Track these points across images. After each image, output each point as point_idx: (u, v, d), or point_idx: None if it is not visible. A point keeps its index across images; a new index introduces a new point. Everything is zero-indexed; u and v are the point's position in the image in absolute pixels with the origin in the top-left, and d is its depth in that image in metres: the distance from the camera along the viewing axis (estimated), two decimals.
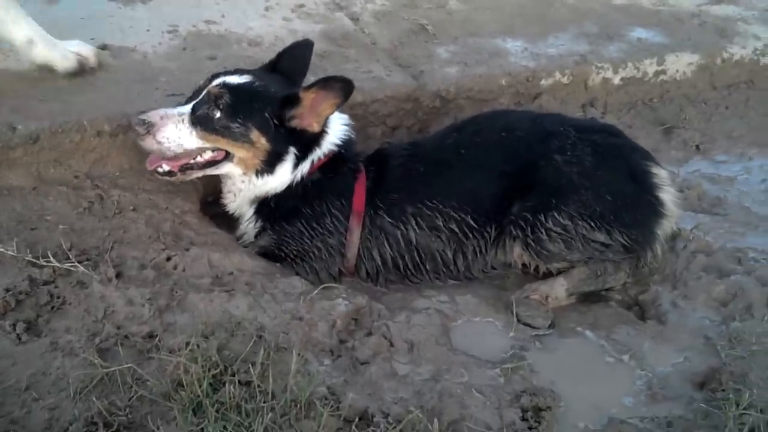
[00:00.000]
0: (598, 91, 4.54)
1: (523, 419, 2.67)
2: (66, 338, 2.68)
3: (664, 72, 4.65)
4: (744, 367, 2.84)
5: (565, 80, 4.42)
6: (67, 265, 2.92)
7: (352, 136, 3.52)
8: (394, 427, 2.52)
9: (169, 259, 3.08)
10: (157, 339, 2.72)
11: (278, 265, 3.36)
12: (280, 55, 3.55)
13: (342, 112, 3.45)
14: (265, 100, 3.28)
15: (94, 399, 2.45)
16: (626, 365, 2.97)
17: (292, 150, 3.34)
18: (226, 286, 3.02)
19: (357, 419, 2.55)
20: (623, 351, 3.03)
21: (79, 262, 2.94)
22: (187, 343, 2.65)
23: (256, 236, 3.48)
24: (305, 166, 3.37)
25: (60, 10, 4.28)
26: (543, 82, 4.35)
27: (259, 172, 3.36)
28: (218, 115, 3.22)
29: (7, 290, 2.79)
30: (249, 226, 3.49)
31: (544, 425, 2.64)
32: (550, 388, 2.78)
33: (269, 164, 3.34)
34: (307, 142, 3.36)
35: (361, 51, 4.32)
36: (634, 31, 4.87)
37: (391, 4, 4.95)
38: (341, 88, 3.21)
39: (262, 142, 3.28)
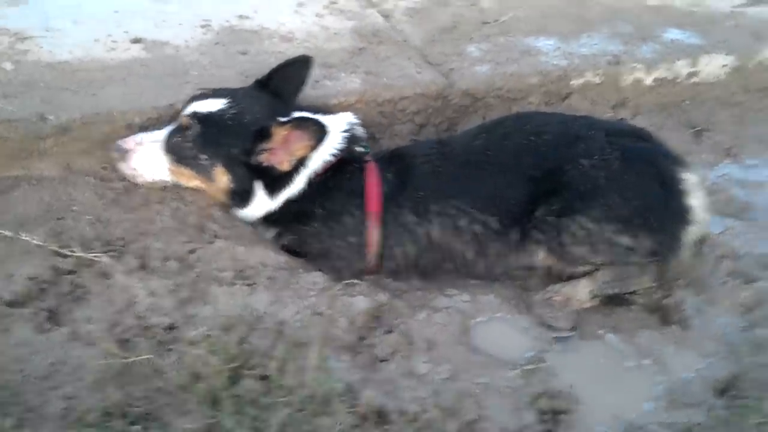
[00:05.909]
0: (629, 91, 4.49)
1: (541, 421, 2.66)
2: (86, 328, 2.70)
3: (696, 74, 4.59)
4: (767, 374, 2.80)
5: (596, 80, 4.37)
6: (90, 256, 2.95)
7: (357, 132, 3.45)
8: (411, 426, 2.53)
9: (192, 251, 3.09)
10: (177, 331, 2.74)
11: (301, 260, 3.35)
12: (273, 73, 3.49)
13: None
14: (234, 133, 3.24)
15: (111, 389, 2.47)
16: (647, 370, 2.95)
17: (259, 186, 3.31)
18: (248, 279, 3.02)
19: (374, 416, 2.55)
20: (645, 355, 3.00)
21: (103, 253, 2.97)
22: (207, 336, 2.67)
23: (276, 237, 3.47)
24: (284, 194, 3.33)
25: (93, 2, 4.32)
26: (574, 81, 4.32)
27: (232, 205, 3.38)
28: (189, 145, 3.24)
29: (31, 279, 2.83)
30: (264, 233, 3.47)
31: (561, 428, 2.64)
32: (569, 391, 2.77)
33: (239, 199, 3.34)
34: (276, 177, 3.30)
35: (392, 48, 4.32)
36: (667, 32, 4.81)
37: (423, 1, 4.94)
38: (315, 131, 3.16)
39: (224, 180, 3.27)
